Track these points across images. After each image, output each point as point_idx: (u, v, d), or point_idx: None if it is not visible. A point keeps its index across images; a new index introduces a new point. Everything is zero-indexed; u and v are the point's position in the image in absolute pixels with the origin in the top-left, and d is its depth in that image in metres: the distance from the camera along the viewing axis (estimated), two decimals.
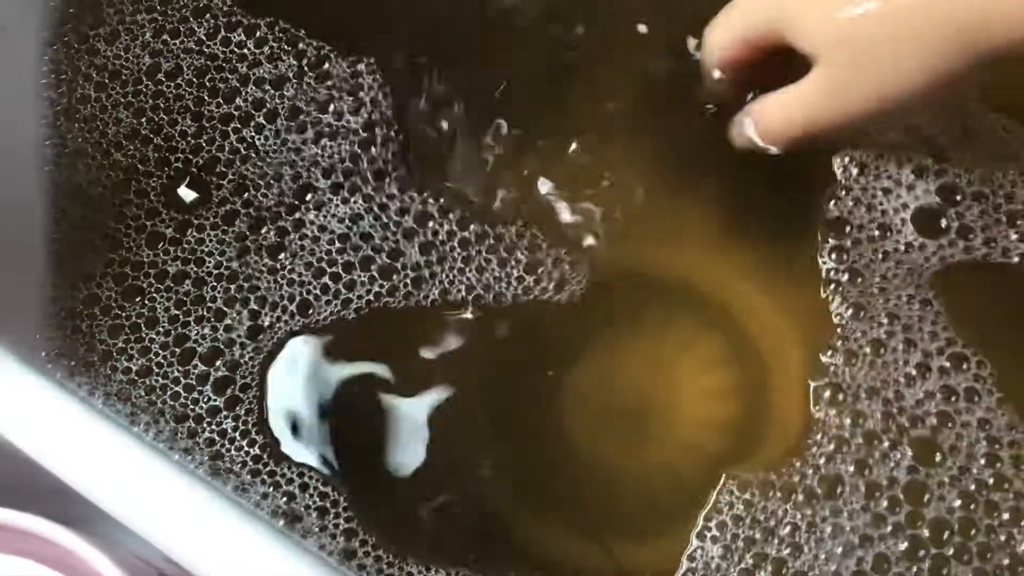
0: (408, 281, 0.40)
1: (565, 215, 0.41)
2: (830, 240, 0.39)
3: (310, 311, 0.40)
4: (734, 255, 0.40)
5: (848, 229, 0.39)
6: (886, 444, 0.36)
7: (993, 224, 0.39)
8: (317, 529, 0.38)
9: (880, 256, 0.39)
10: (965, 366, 0.37)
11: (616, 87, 0.43)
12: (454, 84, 0.43)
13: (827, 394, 0.37)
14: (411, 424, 0.39)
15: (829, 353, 0.38)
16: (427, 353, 0.40)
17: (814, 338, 0.38)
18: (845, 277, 0.39)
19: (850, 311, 0.38)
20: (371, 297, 0.40)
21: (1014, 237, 0.39)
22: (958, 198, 0.39)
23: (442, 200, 0.41)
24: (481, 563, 0.37)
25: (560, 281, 0.40)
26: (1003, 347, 0.37)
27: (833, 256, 0.39)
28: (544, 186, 0.41)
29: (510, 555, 0.38)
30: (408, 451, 0.39)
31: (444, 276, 0.40)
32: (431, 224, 0.41)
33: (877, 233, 0.39)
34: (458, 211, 0.41)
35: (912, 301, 0.38)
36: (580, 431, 0.39)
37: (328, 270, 0.41)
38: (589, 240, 0.41)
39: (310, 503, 0.38)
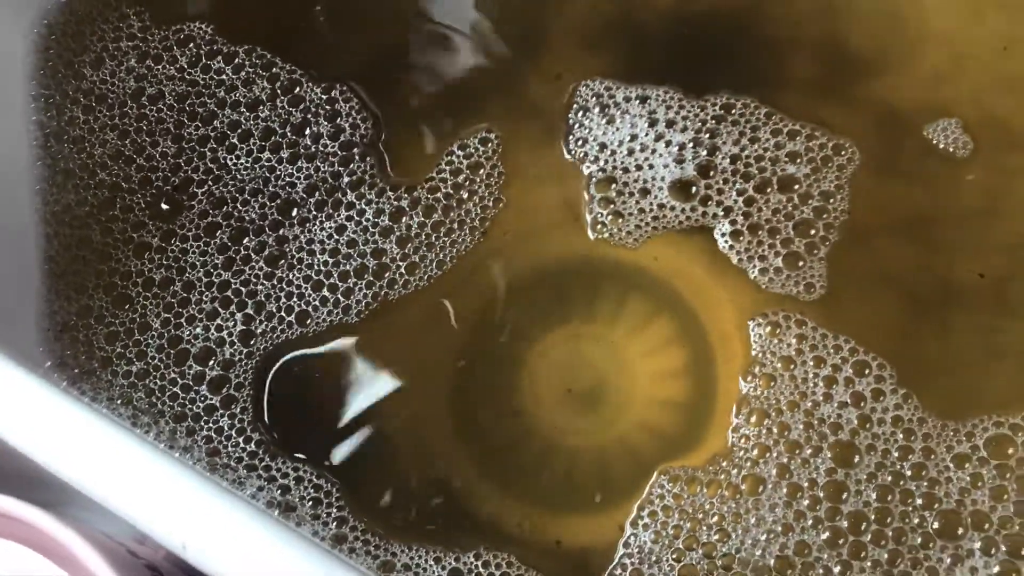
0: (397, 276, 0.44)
1: (522, 200, 0.45)
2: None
3: (308, 321, 0.44)
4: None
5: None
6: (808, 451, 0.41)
7: None
8: (310, 518, 0.41)
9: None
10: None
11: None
12: (428, 97, 0.47)
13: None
14: (397, 415, 0.43)
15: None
16: (394, 352, 0.43)
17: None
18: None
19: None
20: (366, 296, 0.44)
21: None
22: None
23: (414, 194, 0.45)
24: (455, 541, 0.41)
25: (518, 264, 0.44)
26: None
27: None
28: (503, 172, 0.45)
29: (482, 534, 0.41)
30: (391, 440, 0.42)
31: (416, 265, 0.44)
32: (404, 219, 0.45)
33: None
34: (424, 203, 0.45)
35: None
36: (542, 415, 0.43)
37: (325, 281, 0.44)
38: (547, 225, 0.44)
39: (304, 495, 0.41)
